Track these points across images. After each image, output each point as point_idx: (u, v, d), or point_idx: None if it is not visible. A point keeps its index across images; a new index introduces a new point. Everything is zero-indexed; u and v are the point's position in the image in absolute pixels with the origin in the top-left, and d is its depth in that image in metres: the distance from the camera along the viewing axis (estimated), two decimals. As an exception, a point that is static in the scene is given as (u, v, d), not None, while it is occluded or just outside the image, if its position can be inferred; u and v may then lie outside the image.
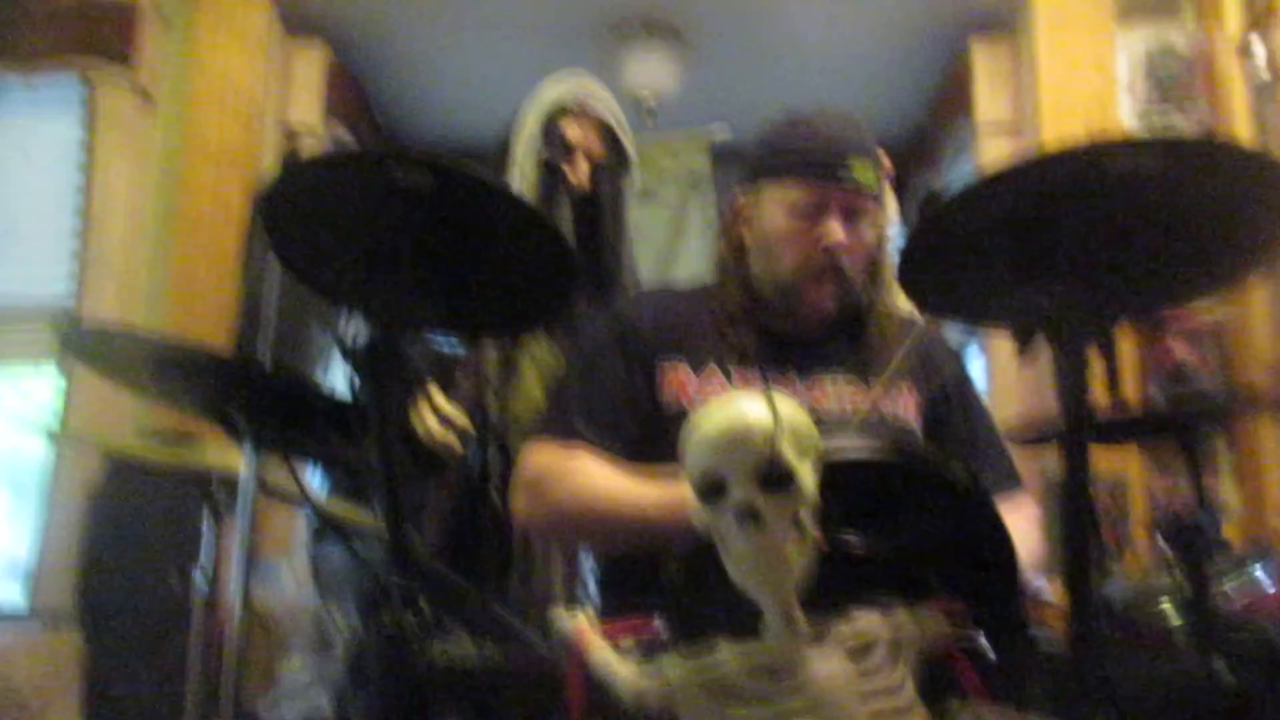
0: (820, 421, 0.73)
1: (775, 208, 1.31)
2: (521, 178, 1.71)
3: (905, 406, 1.33)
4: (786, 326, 1.34)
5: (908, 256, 0.92)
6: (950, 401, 1.37)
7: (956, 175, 3.43)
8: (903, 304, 1.54)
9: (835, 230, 1.28)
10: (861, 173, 1.28)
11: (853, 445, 0.81)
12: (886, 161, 1.80)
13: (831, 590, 0.69)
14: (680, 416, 1.24)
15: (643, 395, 1.30)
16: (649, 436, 1.27)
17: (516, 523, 1.35)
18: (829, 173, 1.28)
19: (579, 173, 1.74)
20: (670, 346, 1.32)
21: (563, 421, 1.29)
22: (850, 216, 1.29)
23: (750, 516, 0.65)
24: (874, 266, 1.37)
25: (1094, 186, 0.79)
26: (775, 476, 0.66)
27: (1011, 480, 1.35)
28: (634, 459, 1.25)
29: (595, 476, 1.23)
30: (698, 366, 1.30)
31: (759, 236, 1.34)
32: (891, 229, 1.88)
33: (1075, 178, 0.80)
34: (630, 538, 1.18)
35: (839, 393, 1.31)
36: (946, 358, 1.42)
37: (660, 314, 1.36)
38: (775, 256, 1.32)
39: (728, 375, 1.29)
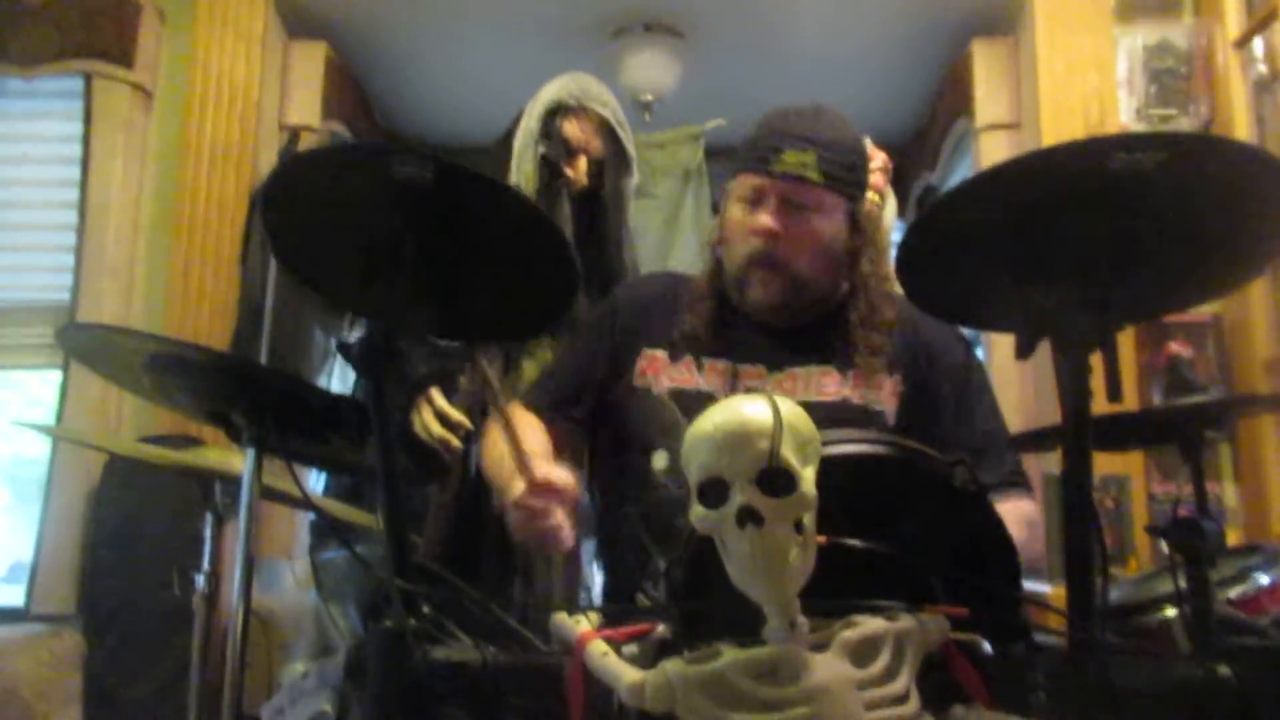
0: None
1: (731, 198, 1.37)
2: (522, 176, 1.71)
3: (883, 396, 1.31)
4: (760, 317, 1.35)
5: (906, 253, 0.92)
6: (944, 393, 1.34)
7: (956, 174, 3.43)
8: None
9: (763, 218, 1.30)
10: (794, 160, 1.28)
11: (854, 449, 0.81)
12: (882, 157, 1.81)
13: (832, 592, 0.69)
14: (647, 395, 1.33)
15: (608, 376, 1.37)
16: (618, 411, 1.36)
17: None
18: (763, 161, 1.30)
19: (579, 171, 1.74)
20: (650, 332, 1.37)
21: (527, 395, 1.43)
22: (789, 206, 1.30)
23: (751, 519, 0.65)
24: (851, 259, 1.35)
25: (1094, 184, 0.79)
26: (776, 479, 0.65)
27: (1008, 482, 1.31)
28: (594, 430, 1.40)
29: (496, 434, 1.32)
30: (674, 355, 1.34)
31: (721, 227, 1.39)
32: (892, 227, 1.89)
33: (1075, 175, 0.80)
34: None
35: (811, 383, 1.30)
36: (948, 347, 1.38)
37: (649, 299, 1.42)
38: (728, 246, 1.37)
39: (699, 365, 1.33)
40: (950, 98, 3.32)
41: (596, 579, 1.59)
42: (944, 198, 0.88)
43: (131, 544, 2.46)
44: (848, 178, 1.32)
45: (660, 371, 1.34)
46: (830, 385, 1.31)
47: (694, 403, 1.14)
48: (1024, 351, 0.87)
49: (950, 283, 0.95)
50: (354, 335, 0.89)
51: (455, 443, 1.61)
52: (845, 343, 1.33)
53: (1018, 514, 1.26)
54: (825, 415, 1.21)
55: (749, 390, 1.29)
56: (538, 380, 1.50)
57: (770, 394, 0.68)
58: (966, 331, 1.50)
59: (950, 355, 1.37)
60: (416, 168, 0.85)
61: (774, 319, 1.35)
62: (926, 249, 0.92)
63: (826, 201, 1.31)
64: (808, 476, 0.66)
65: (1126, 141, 0.79)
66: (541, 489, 1.12)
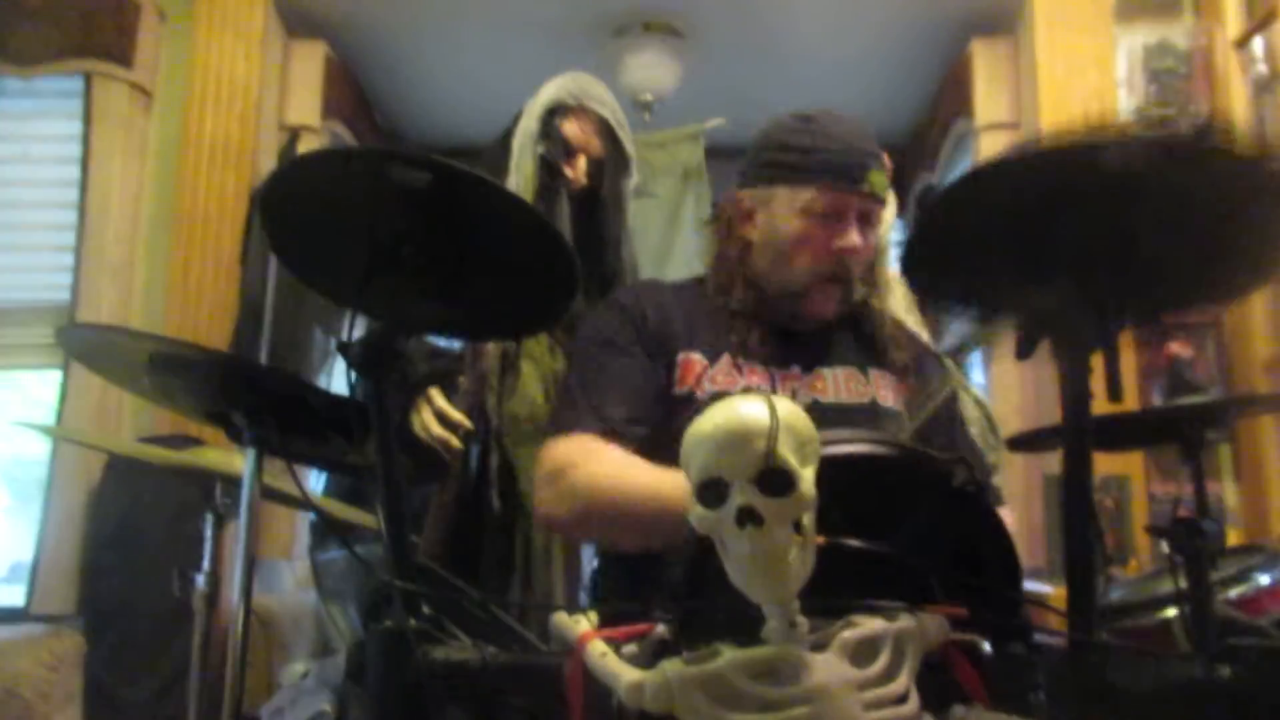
0: (821, 411, 0.73)
1: (790, 210, 1.32)
2: (521, 176, 1.71)
3: (900, 404, 1.35)
4: (788, 323, 1.36)
5: (909, 253, 0.92)
6: (937, 409, 1.38)
7: (956, 174, 3.43)
8: (896, 305, 1.56)
9: (853, 236, 1.30)
10: (879, 181, 1.31)
11: (855, 448, 0.81)
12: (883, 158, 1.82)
13: (832, 592, 0.69)
14: (691, 401, 1.27)
15: (656, 381, 1.30)
16: (661, 421, 1.27)
17: (540, 518, 1.32)
18: (851, 180, 1.29)
19: (578, 171, 1.74)
20: (681, 337, 1.32)
21: (578, 415, 1.28)
22: (864, 222, 1.32)
23: (750, 519, 0.65)
24: (873, 266, 1.41)
25: (1093, 181, 0.79)
26: (775, 479, 0.65)
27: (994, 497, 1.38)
28: (649, 442, 1.24)
29: (613, 463, 1.21)
30: (712, 358, 1.31)
31: (768, 236, 1.34)
32: (891, 230, 1.89)
33: (1073, 171, 0.80)
34: (647, 525, 1.13)
35: (839, 384, 1.32)
36: (936, 366, 1.45)
37: (663, 306, 1.37)
38: (786, 258, 1.32)
39: (738, 368, 1.30)
40: (950, 98, 3.32)
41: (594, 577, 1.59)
42: (943, 194, 0.88)
43: (131, 544, 2.47)
44: None
45: (702, 376, 1.30)
46: (859, 388, 1.33)
47: None
48: (1024, 351, 0.87)
49: (952, 281, 0.96)
50: (354, 334, 0.89)
51: (455, 443, 1.61)
52: (865, 347, 1.37)
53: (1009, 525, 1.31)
54: (852, 420, 1.25)
55: (793, 392, 1.30)
56: (581, 405, 1.30)
57: (767, 393, 0.68)
58: (963, 335, 1.56)
59: (938, 374, 1.43)
60: (414, 172, 0.85)
61: (802, 326, 1.36)
62: (928, 249, 0.92)
63: (881, 214, 1.37)
64: (806, 476, 0.66)
65: (1122, 139, 0.79)
66: None
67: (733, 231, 1.38)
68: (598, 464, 1.21)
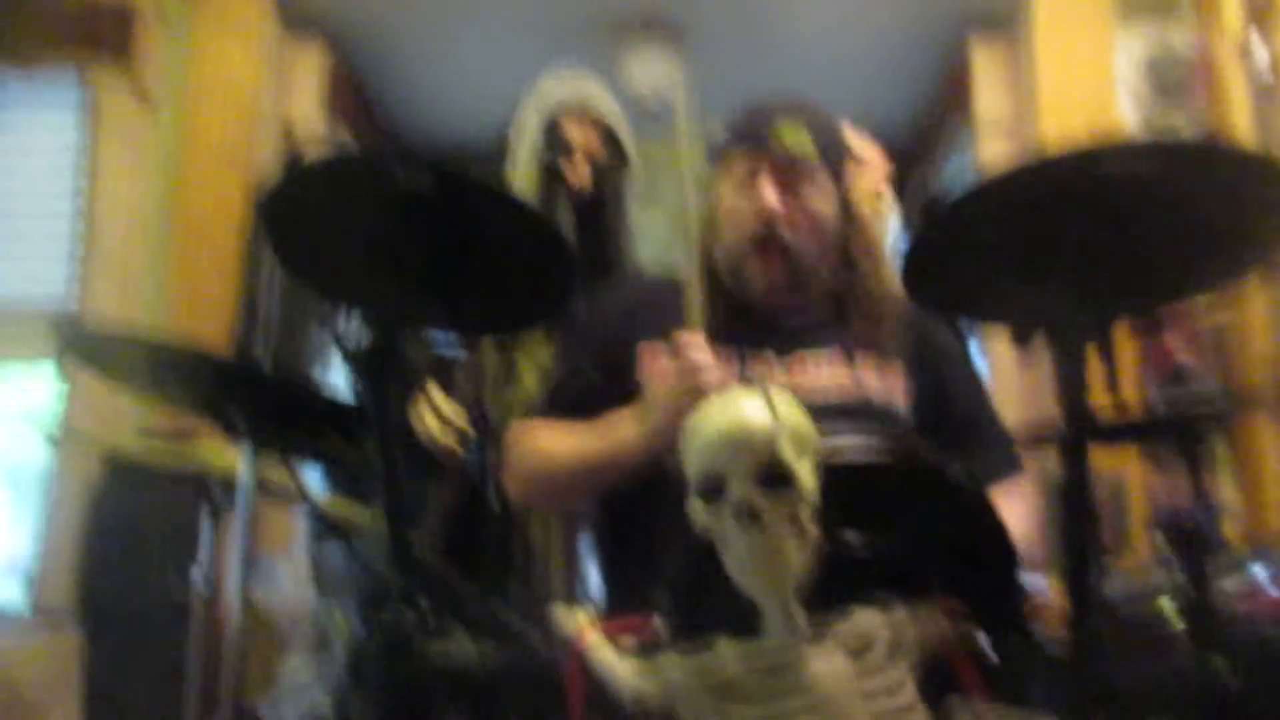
0: (812, 413, 0.72)
1: (721, 183, 1.34)
2: (522, 178, 1.71)
3: (894, 391, 1.30)
4: (759, 304, 1.31)
5: (911, 259, 0.92)
6: (947, 386, 1.34)
7: (955, 174, 3.43)
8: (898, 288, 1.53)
9: (766, 195, 1.26)
10: (790, 136, 1.26)
11: (853, 447, 0.81)
12: (881, 156, 1.81)
13: (831, 590, 0.69)
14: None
15: (612, 378, 1.29)
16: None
17: (512, 503, 1.45)
18: (757, 138, 1.29)
19: (580, 173, 1.74)
20: (648, 329, 1.30)
21: (534, 409, 1.40)
22: (787, 183, 1.27)
23: (750, 516, 0.65)
24: (844, 241, 1.34)
25: (1092, 189, 0.79)
26: (775, 476, 0.66)
27: (1011, 466, 1.32)
28: None
29: (542, 436, 1.31)
30: None
31: (713, 214, 1.36)
32: (891, 226, 1.89)
33: (1073, 180, 0.80)
34: (584, 480, 1.27)
35: (820, 371, 1.28)
36: (945, 341, 1.39)
37: (636, 299, 1.38)
38: (721, 230, 1.33)
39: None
40: (950, 96, 3.33)
41: (593, 576, 1.59)
42: (946, 208, 0.88)
43: (131, 544, 2.46)
44: (837, 154, 1.33)
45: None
46: (840, 374, 1.28)
47: None
48: (1023, 350, 0.87)
49: (952, 282, 0.96)
50: (351, 327, 0.89)
51: (453, 441, 1.61)
52: (849, 332, 1.31)
53: (1024, 506, 1.29)
54: (837, 410, 1.22)
55: (756, 376, 1.25)
56: (545, 393, 1.42)
57: (766, 389, 0.68)
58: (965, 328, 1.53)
59: (950, 347, 1.39)
60: (418, 177, 0.85)
61: (774, 308, 1.31)
62: (929, 252, 0.92)
63: (820, 179, 1.29)
64: (805, 471, 0.66)
65: (1123, 151, 0.79)
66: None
67: (705, 220, 1.39)
68: (531, 440, 1.33)
